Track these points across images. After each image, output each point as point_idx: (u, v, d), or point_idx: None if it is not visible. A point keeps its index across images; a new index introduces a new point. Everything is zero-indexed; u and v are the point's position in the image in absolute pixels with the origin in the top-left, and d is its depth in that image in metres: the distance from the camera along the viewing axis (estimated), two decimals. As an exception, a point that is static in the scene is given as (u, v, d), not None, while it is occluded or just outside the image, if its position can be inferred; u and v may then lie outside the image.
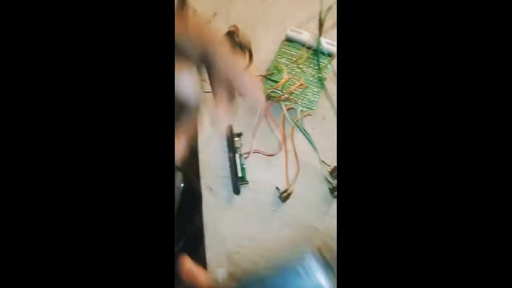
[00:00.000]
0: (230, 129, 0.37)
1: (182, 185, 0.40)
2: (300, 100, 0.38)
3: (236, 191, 0.37)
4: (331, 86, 0.37)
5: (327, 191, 0.38)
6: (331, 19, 0.38)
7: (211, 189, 0.39)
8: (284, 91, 0.37)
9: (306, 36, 0.38)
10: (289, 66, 0.38)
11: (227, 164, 0.39)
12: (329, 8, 0.38)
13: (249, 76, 0.23)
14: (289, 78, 0.37)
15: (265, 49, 0.40)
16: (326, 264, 0.33)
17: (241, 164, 0.38)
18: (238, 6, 0.41)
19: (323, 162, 0.37)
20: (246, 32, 0.39)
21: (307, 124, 0.38)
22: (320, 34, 0.37)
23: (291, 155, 0.38)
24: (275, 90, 0.37)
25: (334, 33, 0.38)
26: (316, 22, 0.37)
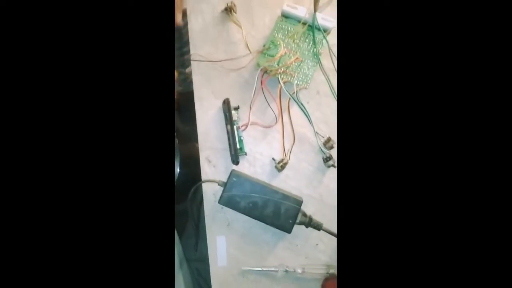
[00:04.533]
0: (228, 102, 0.39)
1: (178, 170, 0.41)
2: (296, 74, 0.39)
3: (236, 161, 0.39)
4: (326, 61, 0.39)
5: (321, 161, 0.40)
6: (327, -5, 0.39)
7: (209, 161, 0.41)
8: (280, 65, 0.38)
9: (302, 11, 0.39)
10: (286, 41, 0.39)
11: (225, 137, 0.40)
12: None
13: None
14: (286, 52, 0.39)
15: (262, 25, 0.41)
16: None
17: (239, 136, 0.39)
18: (235, -18, 0.41)
19: (317, 133, 0.38)
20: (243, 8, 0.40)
21: (302, 97, 0.40)
22: (315, 10, 0.38)
23: (287, 127, 0.39)
24: (272, 64, 0.38)
25: (329, 9, 0.39)
26: (312, -3, 0.38)
